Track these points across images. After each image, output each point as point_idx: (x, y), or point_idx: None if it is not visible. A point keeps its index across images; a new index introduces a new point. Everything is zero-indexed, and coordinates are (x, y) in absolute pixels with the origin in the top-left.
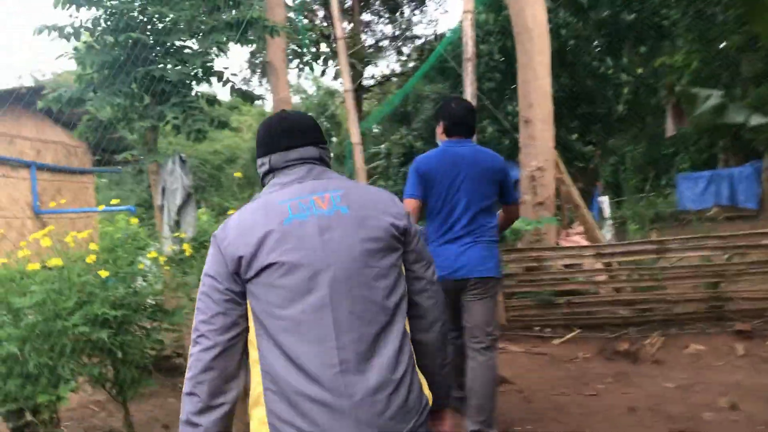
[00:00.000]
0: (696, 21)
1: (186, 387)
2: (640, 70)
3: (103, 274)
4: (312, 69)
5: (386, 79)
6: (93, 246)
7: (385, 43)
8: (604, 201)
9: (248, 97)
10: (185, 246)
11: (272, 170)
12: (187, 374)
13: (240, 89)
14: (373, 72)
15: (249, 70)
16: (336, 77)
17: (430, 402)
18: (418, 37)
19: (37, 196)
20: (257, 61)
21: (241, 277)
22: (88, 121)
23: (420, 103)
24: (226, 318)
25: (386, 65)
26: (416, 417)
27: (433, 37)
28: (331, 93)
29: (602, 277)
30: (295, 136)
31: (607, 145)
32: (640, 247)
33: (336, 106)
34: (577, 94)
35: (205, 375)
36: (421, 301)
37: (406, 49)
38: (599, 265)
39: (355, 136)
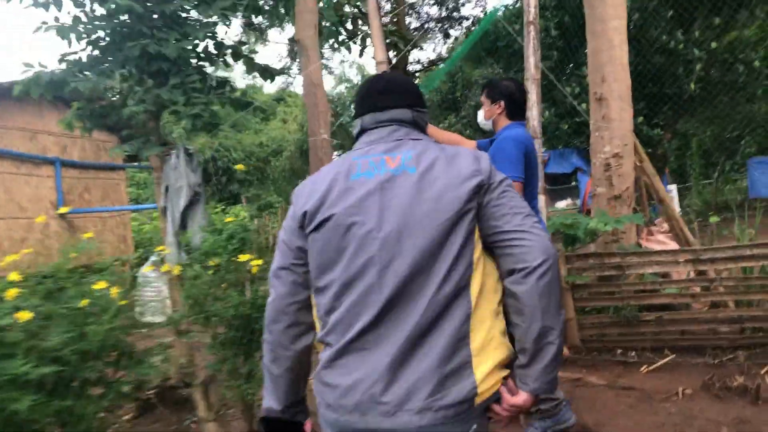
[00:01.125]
0: None
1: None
2: (714, 45)
3: (23, 316)
4: (349, 49)
5: (433, 63)
6: (14, 276)
7: (431, 26)
8: (673, 190)
9: (267, 73)
10: (172, 266)
11: (363, 130)
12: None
13: (258, 64)
14: (419, 56)
15: (288, 58)
16: (390, 64)
17: (480, 391)
18: (466, 18)
19: (62, 195)
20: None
21: (304, 231)
22: (78, 110)
23: (468, 89)
24: (290, 274)
25: (432, 49)
26: (444, 393)
27: (482, 15)
28: None
29: (697, 288)
30: (390, 97)
31: (676, 128)
32: (752, 251)
33: None
34: (644, 73)
35: (274, 325)
36: (514, 249)
37: (453, 32)
38: (693, 273)
39: None
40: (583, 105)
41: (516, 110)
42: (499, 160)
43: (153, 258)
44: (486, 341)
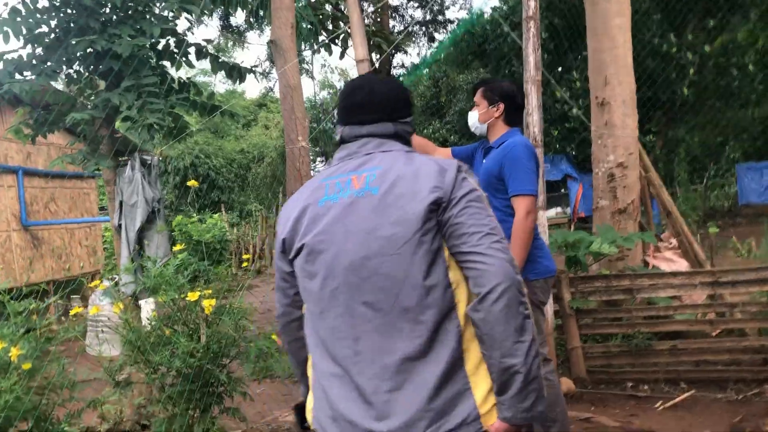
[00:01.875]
0: None
1: None
2: (707, 48)
3: None
4: (329, 51)
5: (417, 68)
6: None
7: (416, 29)
8: None
9: (236, 73)
10: (127, 294)
11: (342, 141)
12: None
13: (225, 62)
14: (402, 60)
15: (268, 62)
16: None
17: (483, 412)
18: (451, 21)
19: (25, 206)
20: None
21: (288, 257)
22: (24, 116)
23: (453, 95)
24: (283, 296)
25: (417, 53)
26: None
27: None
28: None
29: (712, 314)
30: (369, 110)
31: (668, 134)
32: None
33: None
34: (636, 77)
35: (282, 336)
36: (470, 273)
37: (438, 36)
38: (704, 297)
39: None
40: (573, 110)
41: (516, 115)
42: (516, 171)
43: (106, 283)
44: (480, 362)
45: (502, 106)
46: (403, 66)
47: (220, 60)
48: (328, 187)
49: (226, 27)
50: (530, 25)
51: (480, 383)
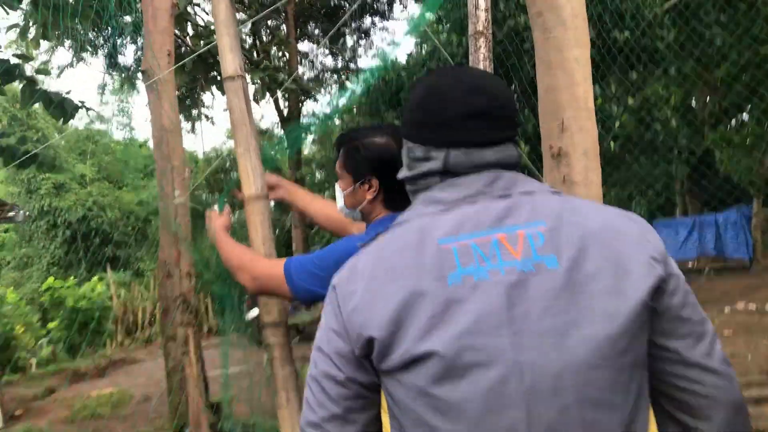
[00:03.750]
0: (690, 43)
1: None
2: (630, 101)
3: None
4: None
5: (329, 117)
6: None
7: (327, 77)
8: None
9: (60, 111)
10: None
11: (445, 172)
12: None
13: (47, 92)
14: (312, 108)
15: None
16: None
17: None
18: (364, 71)
19: None
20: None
21: (373, 365)
22: None
23: None
24: (347, 426)
25: (327, 102)
26: None
27: (384, 69)
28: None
29: None
30: (496, 124)
31: None
32: None
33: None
34: None
35: None
36: (676, 393)
37: (350, 84)
38: None
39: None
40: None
41: (399, 192)
42: None
43: None
44: None
45: (376, 182)
46: (313, 114)
47: (37, 88)
48: (458, 254)
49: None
50: (480, 43)
51: None
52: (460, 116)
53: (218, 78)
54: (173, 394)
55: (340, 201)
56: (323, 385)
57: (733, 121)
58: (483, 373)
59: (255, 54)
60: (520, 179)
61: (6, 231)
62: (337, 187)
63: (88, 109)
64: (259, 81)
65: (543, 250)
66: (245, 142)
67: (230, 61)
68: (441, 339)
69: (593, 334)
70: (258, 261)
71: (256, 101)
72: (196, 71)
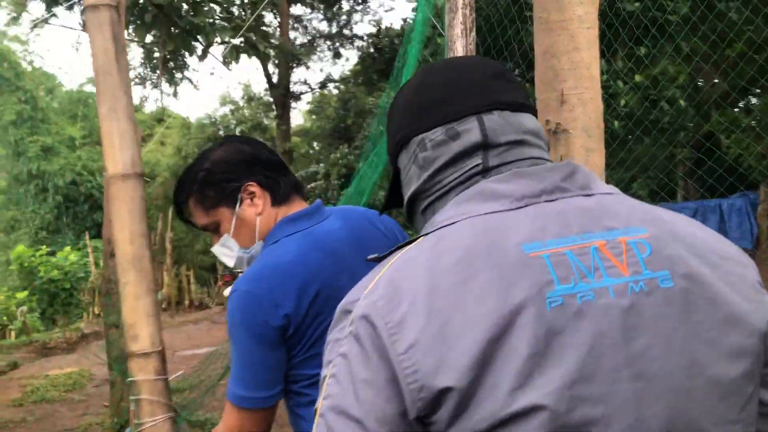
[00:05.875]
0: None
1: None
2: (637, 78)
3: None
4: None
5: (322, 86)
6: None
7: (321, 43)
8: None
9: None
10: None
11: (486, 146)
12: None
13: None
14: (305, 76)
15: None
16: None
17: None
18: (360, 38)
19: None
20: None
21: (431, 428)
22: None
23: (363, 118)
24: None
25: (320, 69)
26: None
27: (377, 37)
28: (267, 104)
29: None
30: (516, 84)
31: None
32: None
33: (271, 120)
34: None
35: None
36: None
37: (346, 52)
38: None
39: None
40: None
41: (277, 180)
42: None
43: None
44: None
45: (253, 185)
46: (305, 82)
47: None
48: (552, 265)
49: None
50: (455, 17)
51: None
52: (481, 75)
53: (183, 34)
54: (115, 388)
55: (231, 254)
56: None
57: (741, 104)
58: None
59: (242, 12)
60: (593, 176)
61: None
62: (219, 246)
63: None
64: (228, 40)
65: (652, 263)
66: (111, 98)
67: None
68: (548, 388)
69: (718, 376)
70: None
71: (226, 64)
72: (155, 26)
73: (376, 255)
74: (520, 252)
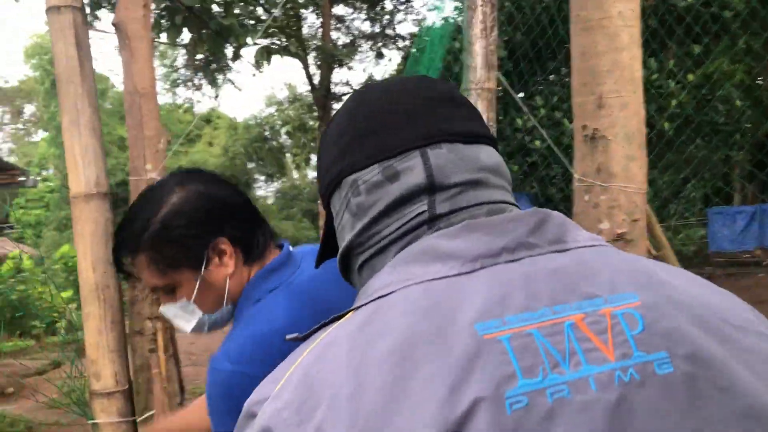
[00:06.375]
0: (764, 11)
1: None
2: (690, 77)
3: None
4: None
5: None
6: None
7: (363, 43)
8: None
9: None
10: None
11: (431, 189)
12: None
13: None
14: (347, 77)
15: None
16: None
17: None
18: (403, 38)
19: None
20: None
21: None
22: None
23: None
24: None
25: (363, 69)
26: None
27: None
28: (309, 105)
29: None
30: (469, 109)
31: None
32: None
33: (314, 120)
34: None
35: None
36: None
37: (388, 52)
38: None
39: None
40: (537, 142)
41: (250, 233)
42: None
43: None
44: None
45: (225, 242)
46: (347, 83)
47: None
48: (514, 351)
49: None
50: (476, 13)
51: None
52: (423, 99)
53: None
54: (140, 396)
55: (190, 318)
56: None
57: None
58: None
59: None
60: (570, 224)
61: (51, 191)
62: (176, 309)
63: None
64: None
65: (646, 342)
66: (72, 109)
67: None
68: None
69: None
70: None
71: (258, 66)
72: (187, 28)
73: (296, 335)
74: (472, 334)
